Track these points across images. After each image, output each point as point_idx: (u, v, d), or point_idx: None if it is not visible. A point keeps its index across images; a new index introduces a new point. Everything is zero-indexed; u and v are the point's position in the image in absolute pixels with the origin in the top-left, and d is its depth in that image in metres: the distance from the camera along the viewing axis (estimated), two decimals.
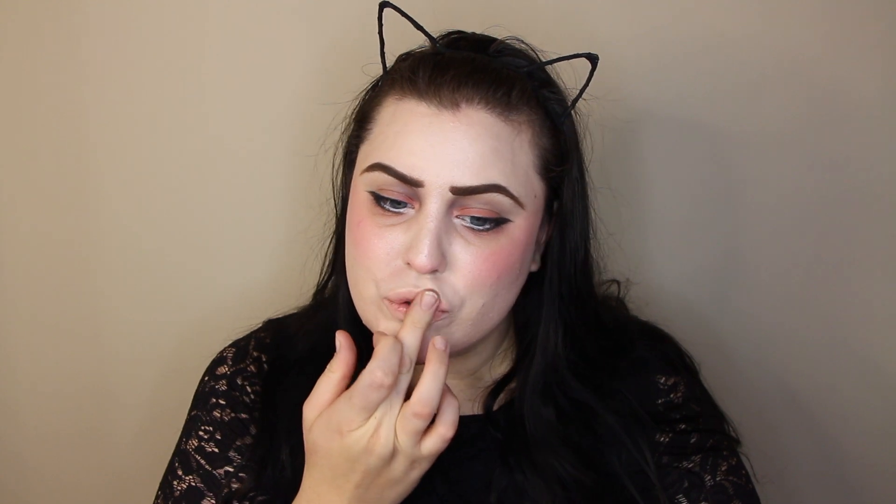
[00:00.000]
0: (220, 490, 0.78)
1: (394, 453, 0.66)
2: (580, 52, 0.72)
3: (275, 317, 0.89)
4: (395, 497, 0.69)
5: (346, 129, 0.80)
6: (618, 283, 0.91)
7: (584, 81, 0.74)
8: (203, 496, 0.78)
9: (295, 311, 0.89)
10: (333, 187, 0.82)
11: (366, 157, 0.72)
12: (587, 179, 0.78)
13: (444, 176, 0.67)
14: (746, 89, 0.99)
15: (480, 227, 0.69)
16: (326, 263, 0.85)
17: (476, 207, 0.68)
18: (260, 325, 0.89)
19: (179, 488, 0.79)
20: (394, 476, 0.68)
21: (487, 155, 0.67)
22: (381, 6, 0.73)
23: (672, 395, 0.82)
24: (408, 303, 0.69)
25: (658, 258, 1.05)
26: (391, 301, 0.69)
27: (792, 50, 0.97)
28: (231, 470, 0.79)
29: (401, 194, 0.69)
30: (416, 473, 0.69)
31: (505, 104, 0.69)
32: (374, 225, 0.70)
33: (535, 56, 0.75)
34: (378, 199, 0.70)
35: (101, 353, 1.11)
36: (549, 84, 0.75)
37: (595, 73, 0.72)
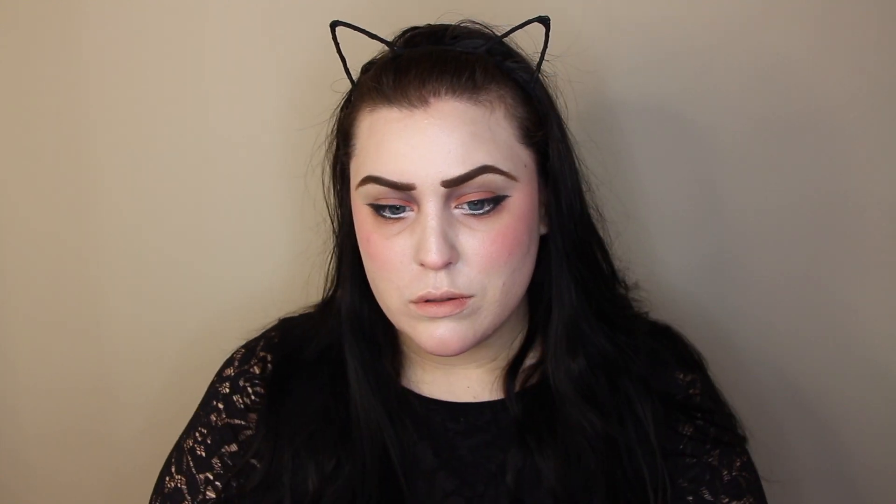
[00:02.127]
0: (196, 496, 0.79)
1: None
2: (531, 18, 0.73)
3: (290, 315, 0.89)
4: None
5: (329, 146, 0.81)
6: (624, 282, 0.91)
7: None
8: (183, 498, 0.79)
9: (310, 310, 0.89)
10: (328, 205, 0.83)
11: (356, 172, 0.72)
12: (569, 136, 0.79)
13: (433, 173, 0.67)
14: (743, 85, 0.98)
15: (480, 211, 0.70)
16: (329, 279, 0.85)
17: (472, 193, 0.69)
18: (275, 322, 0.89)
19: (169, 486, 0.80)
20: None
21: (468, 141, 0.68)
22: (333, 26, 0.73)
23: (691, 391, 0.83)
24: (427, 301, 0.70)
25: (659, 255, 1.04)
26: (415, 303, 0.70)
27: (787, 48, 0.97)
28: (210, 477, 0.80)
29: (398, 199, 0.70)
30: None
31: (472, 88, 0.69)
32: (382, 237, 0.71)
33: (491, 33, 0.76)
34: (378, 209, 0.71)
35: (103, 354, 1.11)
36: (511, 55, 0.75)
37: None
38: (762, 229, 1.02)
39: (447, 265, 0.68)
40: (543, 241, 0.78)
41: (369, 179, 0.70)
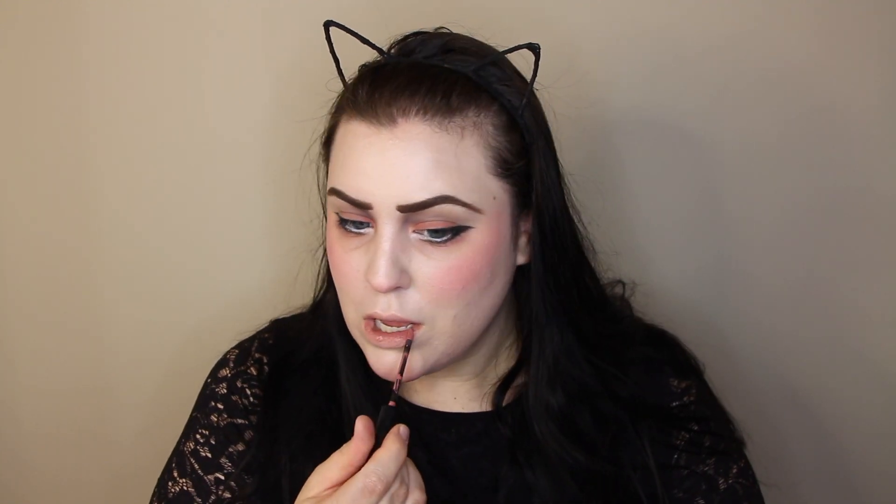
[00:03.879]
0: (208, 497, 0.78)
1: None
2: (520, 45, 0.70)
3: (281, 317, 0.89)
4: None
5: (323, 143, 0.79)
6: (623, 284, 0.91)
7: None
8: (193, 501, 0.78)
9: (301, 312, 0.89)
10: (321, 202, 0.82)
11: (329, 179, 0.72)
12: (559, 165, 0.77)
13: (390, 196, 0.66)
14: (743, 92, 0.98)
15: (439, 239, 0.68)
16: (320, 277, 0.85)
17: (430, 221, 0.67)
18: (266, 324, 0.88)
19: (173, 490, 0.79)
20: None
21: (430, 168, 0.66)
22: (326, 26, 0.72)
23: (685, 398, 0.82)
24: (375, 322, 0.70)
25: (659, 260, 1.04)
26: (366, 320, 0.70)
27: (788, 54, 0.97)
28: (221, 477, 0.79)
29: (359, 215, 0.69)
30: None
31: (444, 111, 0.67)
32: (342, 249, 0.70)
33: (489, 50, 0.73)
34: (342, 221, 0.70)
35: (102, 353, 1.11)
36: (504, 78, 0.72)
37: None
38: (762, 234, 1.02)
39: (396, 289, 0.67)
40: (525, 271, 0.76)
41: (333, 191, 0.70)
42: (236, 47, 1.03)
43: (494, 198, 0.69)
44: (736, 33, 0.97)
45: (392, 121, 0.67)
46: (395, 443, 0.65)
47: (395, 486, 0.65)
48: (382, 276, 0.66)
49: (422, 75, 0.68)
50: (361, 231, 0.70)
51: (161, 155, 1.06)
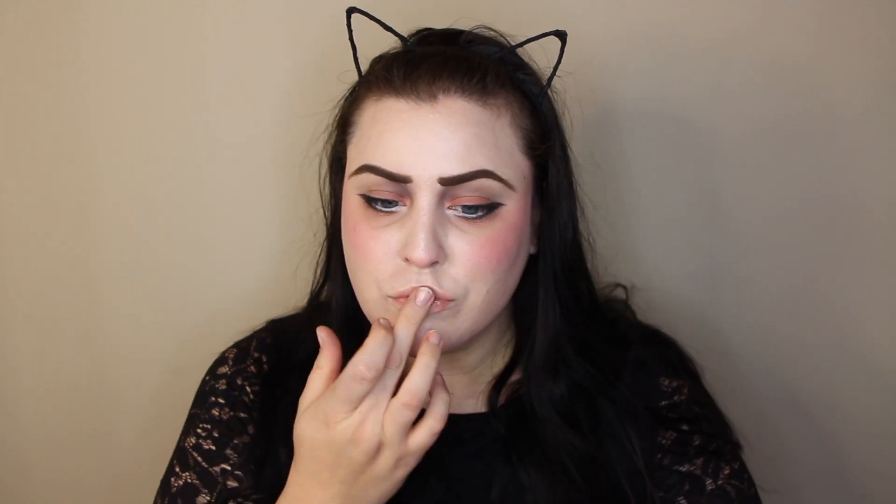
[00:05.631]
0: (215, 487, 0.78)
1: (379, 447, 0.66)
2: (548, 31, 0.72)
3: (278, 317, 0.89)
4: (379, 496, 0.69)
5: (329, 137, 0.80)
6: (624, 287, 0.91)
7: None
8: (198, 492, 0.78)
9: (297, 312, 0.89)
10: (321, 196, 0.83)
11: (352, 160, 0.72)
12: (570, 157, 0.78)
13: (431, 168, 0.67)
14: (744, 90, 0.98)
15: (474, 215, 0.69)
16: (319, 271, 0.85)
17: (467, 196, 0.68)
18: (263, 325, 0.89)
19: (176, 485, 0.79)
20: (379, 473, 0.67)
21: (471, 142, 0.67)
22: (349, 12, 0.73)
23: (675, 398, 0.82)
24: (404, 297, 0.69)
25: (656, 261, 1.04)
26: (394, 299, 0.70)
27: (787, 51, 0.97)
28: (227, 468, 0.79)
29: (391, 193, 0.69)
30: (402, 472, 0.69)
31: (481, 90, 0.69)
32: (370, 227, 0.70)
33: (504, 41, 0.76)
34: (369, 200, 0.70)
35: (102, 354, 1.11)
36: (523, 67, 0.75)
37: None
38: (761, 234, 1.01)
39: (433, 264, 0.68)
40: (532, 261, 0.77)
41: (365, 168, 0.69)
42: (239, 43, 1.03)
43: (524, 176, 0.72)
44: (742, 30, 0.97)
45: (433, 97, 0.68)
46: (378, 330, 0.65)
47: (392, 371, 0.66)
48: (423, 250, 0.67)
49: (456, 58, 0.70)
50: (391, 209, 0.70)
51: (159, 154, 1.06)
